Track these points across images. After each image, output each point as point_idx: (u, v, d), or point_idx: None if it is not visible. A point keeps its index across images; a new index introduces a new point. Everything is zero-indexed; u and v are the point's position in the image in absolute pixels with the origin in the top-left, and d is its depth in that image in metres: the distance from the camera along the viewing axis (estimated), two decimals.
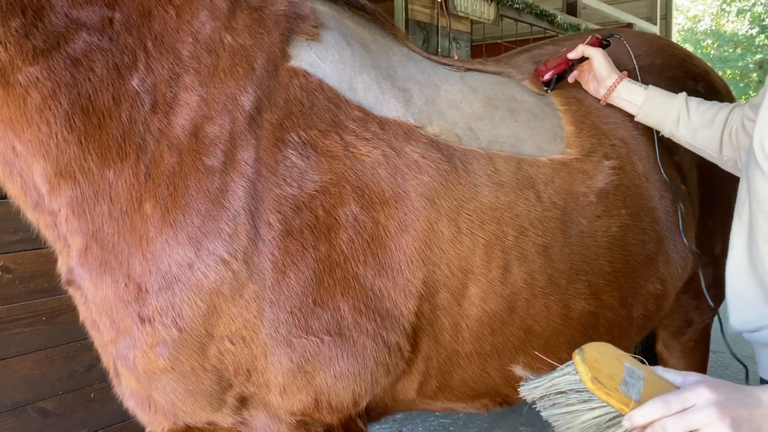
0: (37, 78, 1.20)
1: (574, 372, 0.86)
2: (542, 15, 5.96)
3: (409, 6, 4.61)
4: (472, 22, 5.40)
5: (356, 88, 1.43)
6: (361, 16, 1.61)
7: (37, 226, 1.36)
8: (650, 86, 1.68)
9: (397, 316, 1.37)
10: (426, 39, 4.93)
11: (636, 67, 1.80)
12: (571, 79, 1.75)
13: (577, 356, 0.86)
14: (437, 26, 4.92)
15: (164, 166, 1.26)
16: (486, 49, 6.48)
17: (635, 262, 1.70)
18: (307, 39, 1.42)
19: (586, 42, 1.74)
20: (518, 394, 1.68)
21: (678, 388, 0.89)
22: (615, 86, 1.68)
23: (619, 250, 1.66)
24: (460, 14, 4.99)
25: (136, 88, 1.26)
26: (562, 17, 6.45)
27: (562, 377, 0.88)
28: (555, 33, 6.13)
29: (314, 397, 1.33)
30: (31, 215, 1.34)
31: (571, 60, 1.72)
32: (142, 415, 1.40)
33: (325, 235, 1.30)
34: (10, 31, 1.17)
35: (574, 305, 1.59)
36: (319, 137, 1.34)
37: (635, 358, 0.91)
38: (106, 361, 1.40)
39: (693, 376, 0.89)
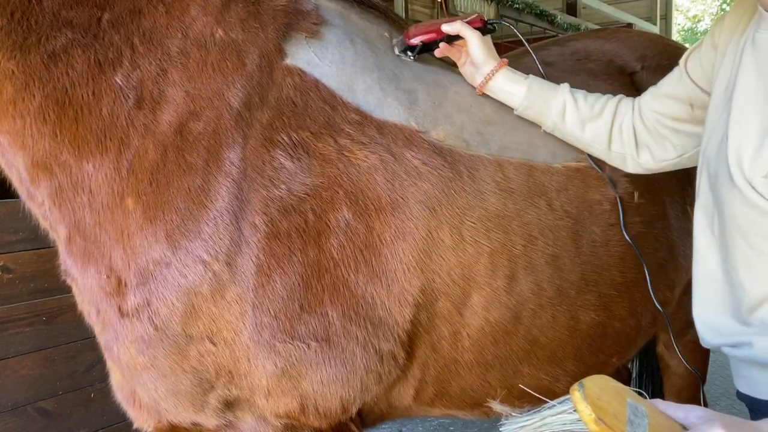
0: (13, 72, 1.22)
1: (571, 410, 0.77)
2: (542, 15, 5.96)
3: (409, 6, 4.61)
4: None
5: (356, 89, 1.39)
6: (370, 13, 1.56)
7: (36, 217, 1.38)
8: (530, 76, 1.52)
9: (390, 324, 1.34)
10: None
11: (541, 70, 1.62)
12: (438, 53, 1.53)
13: (576, 392, 0.76)
14: None
15: (148, 162, 1.26)
16: None
17: (645, 272, 1.64)
18: (306, 36, 1.39)
19: (466, 20, 1.53)
20: (520, 403, 1.66)
21: (680, 424, 0.83)
22: (492, 75, 1.49)
23: (632, 260, 1.62)
24: (460, 14, 4.99)
25: (120, 83, 1.26)
26: (562, 17, 6.44)
27: (555, 416, 0.78)
28: (555, 33, 6.13)
29: (300, 402, 1.31)
30: (29, 206, 1.36)
31: (444, 33, 1.51)
32: (128, 410, 1.40)
33: (315, 239, 1.28)
34: None
35: (583, 316, 1.55)
36: (312, 139, 1.30)
37: (635, 391, 0.83)
38: (102, 351, 1.41)
39: (695, 411, 0.83)
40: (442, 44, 1.52)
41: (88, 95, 1.25)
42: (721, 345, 1.23)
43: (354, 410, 1.38)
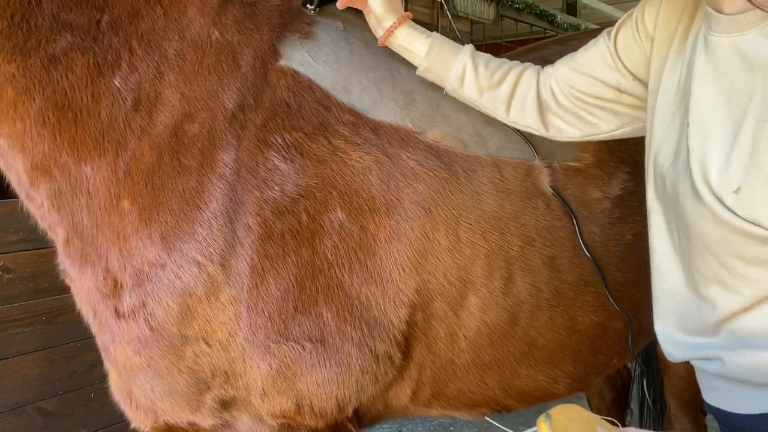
0: (13, 75, 1.23)
1: None
2: (542, 15, 5.96)
3: (409, 6, 4.61)
4: (472, 22, 5.40)
5: (351, 89, 1.39)
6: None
7: (34, 216, 1.38)
8: (435, 34, 1.42)
9: (386, 324, 1.34)
10: None
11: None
12: (340, 4, 1.40)
13: (543, 424, 0.75)
14: (437, 26, 4.92)
15: (144, 164, 1.27)
16: (486, 49, 6.48)
17: (648, 272, 1.65)
18: (299, 37, 1.39)
19: None
20: (518, 404, 1.65)
21: None
22: (393, 30, 1.39)
23: (633, 259, 1.61)
24: (460, 14, 5.00)
25: (118, 86, 1.27)
26: (562, 17, 6.45)
27: None
28: (555, 33, 6.13)
29: (296, 402, 1.32)
30: (27, 206, 1.37)
31: None
32: (125, 410, 1.41)
33: (309, 240, 1.28)
34: None
35: (582, 317, 1.55)
36: (305, 140, 1.31)
37: (606, 420, 0.81)
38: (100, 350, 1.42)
39: None
40: None
41: (87, 98, 1.26)
42: (688, 359, 1.18)
43: (350, 410, 1.38)
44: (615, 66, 1.30)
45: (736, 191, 0.99)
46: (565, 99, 1.36)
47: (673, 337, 1.18)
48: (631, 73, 1.29)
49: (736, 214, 1.00)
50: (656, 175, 1.18)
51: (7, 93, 1.23)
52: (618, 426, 0.82)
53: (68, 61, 1.25)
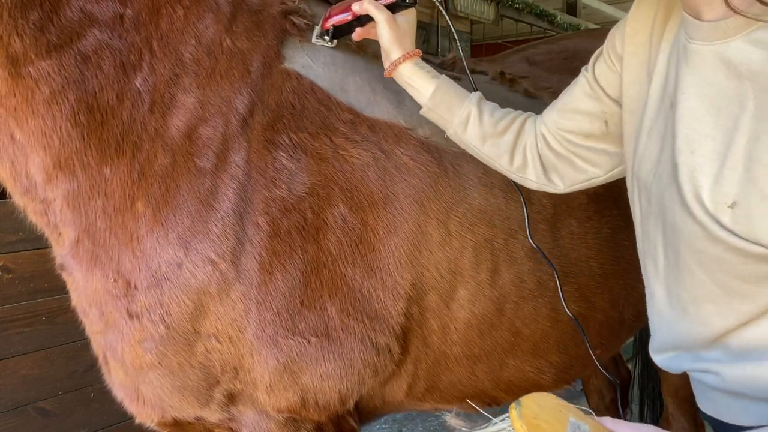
0: (48, 73, 1.23)
1: (509, 429, 0.75)
2: (542, 15, 5.97)
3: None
4: (472, 21, 5.41)
5: (348, 89, 1.43)
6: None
7: (23, 210, 1.37)
8: (442, 76, 1.38)
9: (386, 317, 1.37)
10: (426, 39, 4.95)
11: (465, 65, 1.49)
12: (356, 37, 1.42)
13: (513, 411, 0.75)
14: (437, 26, 4.93)
15: (157, 166, 1.28)
16: (486, 49, 6.49)
17: (626, 264, 1.69)
18: (299, 40, 1.43)
19: None
20: (507, 396, 1.68)
21: None
22: (396, 65, 1.36)
23: (610, 252, 1.66)
24: (460, 14, 5.01)
25: (139, 87, 1.28)
26: (562, 17, 6.45)
27: None
28: (555, 33, 6.14)
29: (301, 396, 1.35)
30: (18, 200, 1.35)
31: (356, 14, 1.37)
32: (130, 407, 1.42)
33: (314, 236, 1.31)
34: (28, 23, 1.20)
35: (563, 308, 1.58)
36: (309, 140, 1.34)
37: (581, 410, 0.80)
38: (96, 348, 1.43)
39: (647, 430, 0.79)
40: (358, 28, 1.40)
41: (113, 99, 1.27)
42: (686, 370, 1.16)
43: (351, 403, 1.41)
44: (595, 94, 1.26)
45: (732, 206, 0.93)
46: (556, 143, 1.32)
47: (668, 355, 1.16)
48: (610, 97, 1.24)
49: (732, 233, 0.94)
50: (641, 190, 1.12)
51: (42, 90, 1.23)
52: (592, 415, 0.81)
53: (98, 60, 1.25)
